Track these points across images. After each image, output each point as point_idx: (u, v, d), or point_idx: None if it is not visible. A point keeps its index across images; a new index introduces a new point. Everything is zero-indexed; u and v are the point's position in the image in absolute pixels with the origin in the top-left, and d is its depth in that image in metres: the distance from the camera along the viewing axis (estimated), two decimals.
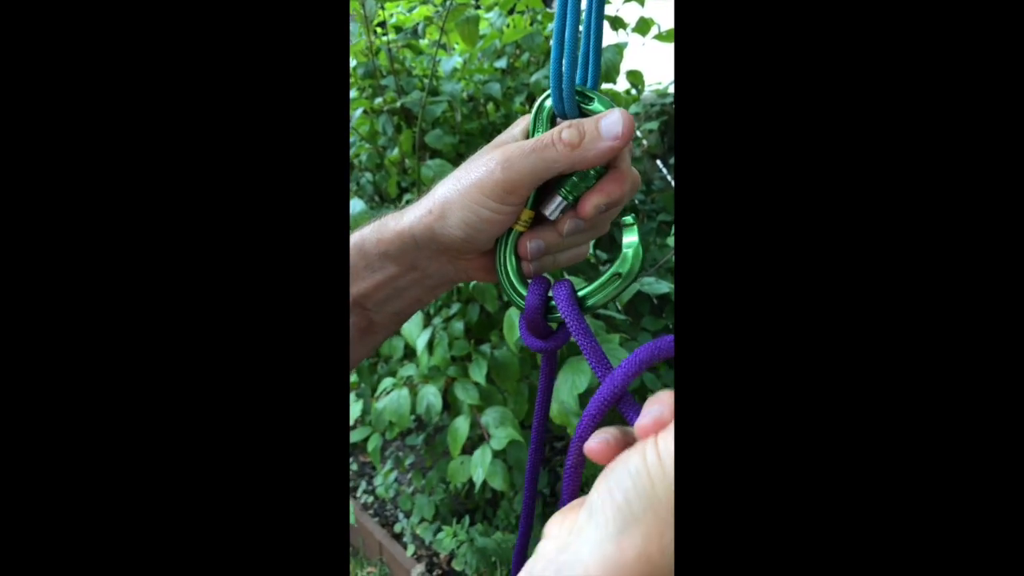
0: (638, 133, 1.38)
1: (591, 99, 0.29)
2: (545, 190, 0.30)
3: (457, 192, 0.29)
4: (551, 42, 0.30)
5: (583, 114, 0.29)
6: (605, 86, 1.01)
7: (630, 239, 0.29)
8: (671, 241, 0.78)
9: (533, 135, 0.30)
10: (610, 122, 0.27)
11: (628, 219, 0.29)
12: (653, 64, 1.21)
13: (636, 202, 1.34)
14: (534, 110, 0.30)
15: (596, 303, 0.29)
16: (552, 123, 0.29)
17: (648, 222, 1.28)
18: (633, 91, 1.12)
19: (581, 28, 0.28)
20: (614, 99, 1.07)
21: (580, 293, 0.29)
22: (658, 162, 1.42)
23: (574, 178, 0.29)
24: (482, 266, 0.32)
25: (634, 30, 0.96)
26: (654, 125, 1.32)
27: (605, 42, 0.97)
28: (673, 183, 1.39)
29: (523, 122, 0.31)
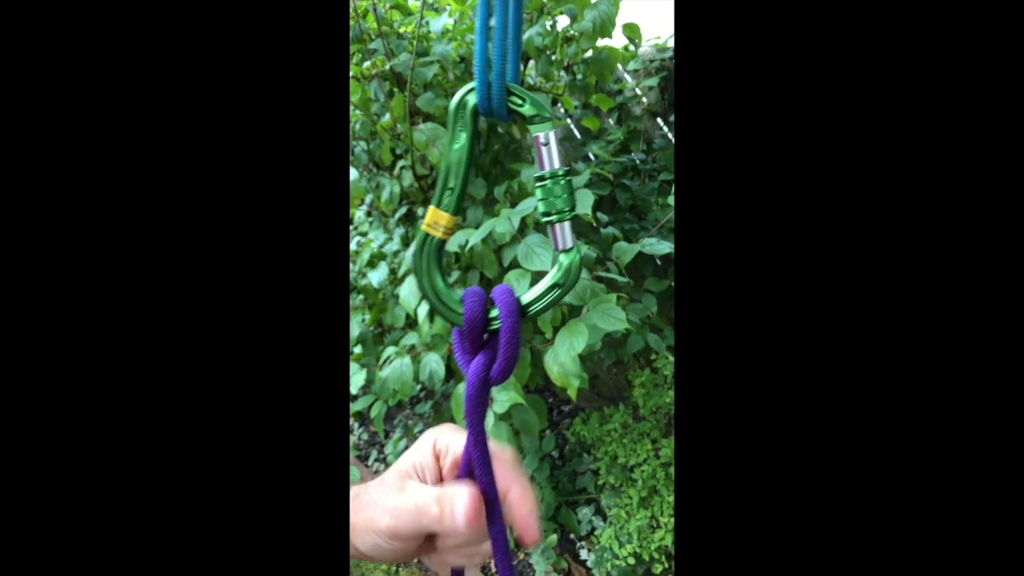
0: (637, 91, 1.35)
1: (523, 100, 0.26)
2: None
3: (355, 525, 0.30)
4: (475, 27, 0.26)
5: (515, 115, 0.26)
6: (601, 42, 0.98)
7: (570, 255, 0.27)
8: (672, 200, 0.77)
9: (452, 134, 0.27)
10: (459, 510, 0.28)
11: (563, 257, 0.28)
12: (651, 17, 1.16)
13: (637, 161, 1.31)
14: (452, 108, 0.26)
15: (536, 311, 0.28)
16: (475, 122, 0.27)
17: (649, 182, 1.26)
18: (631, 47, 1.09)
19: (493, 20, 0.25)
20: (610, 55, 1.04)
21: (523, 301, 0.28)
22: (658, 120, 1.39)
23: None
24: (419, 549, 0.32)
25: None
26: (653, 82, 1.27)
27: None
28: (674, 141, 1.36)
29: (408, 459, 0.32)
